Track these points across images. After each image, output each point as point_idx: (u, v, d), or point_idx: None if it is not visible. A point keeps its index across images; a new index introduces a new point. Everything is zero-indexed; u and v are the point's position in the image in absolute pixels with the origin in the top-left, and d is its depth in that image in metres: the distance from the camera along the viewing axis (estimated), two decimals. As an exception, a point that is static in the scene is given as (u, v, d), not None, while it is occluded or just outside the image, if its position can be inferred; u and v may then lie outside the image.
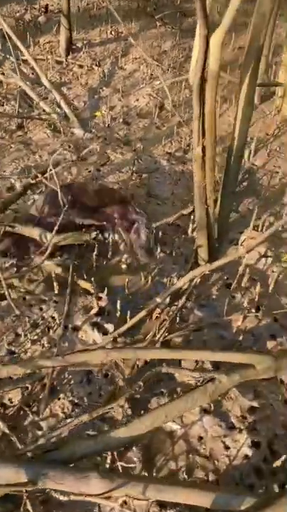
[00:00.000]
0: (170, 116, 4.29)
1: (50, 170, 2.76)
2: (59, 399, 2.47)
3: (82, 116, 4.28)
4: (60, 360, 2.00)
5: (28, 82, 4.40)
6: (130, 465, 2.15)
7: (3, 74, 4.54)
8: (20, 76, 4.33)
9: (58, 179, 3.18)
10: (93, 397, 2.49)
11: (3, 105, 4.29)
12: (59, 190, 2.79)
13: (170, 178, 3.69)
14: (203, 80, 2.29)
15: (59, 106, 4.28)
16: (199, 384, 2.24)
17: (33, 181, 3.05)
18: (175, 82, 4.41)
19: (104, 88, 4.59)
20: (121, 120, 4.25)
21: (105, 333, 2.70)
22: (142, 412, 2.40)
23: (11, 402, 2.44)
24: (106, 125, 4.17)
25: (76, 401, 2.47)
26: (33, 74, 4.63)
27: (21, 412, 2.41)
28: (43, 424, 2.39)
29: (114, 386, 2.44)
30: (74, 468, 1.87)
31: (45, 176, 2.86)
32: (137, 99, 4.47)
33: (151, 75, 4.70)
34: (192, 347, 2.44)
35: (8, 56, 4.56)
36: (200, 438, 2.36)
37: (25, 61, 4.62)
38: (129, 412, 2.39)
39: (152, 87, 4.53)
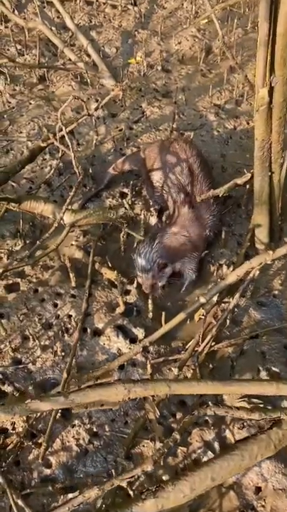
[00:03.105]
0: (219, 60, 3.40)
1: (61, 130, 2.02)
2: (73, 426, 1.85)
3: (113, 64, 3.47)
4: (61, 401, 1.34)
5: (52, 28, 3.63)
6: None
7: (24, 19, 3.77)
8: (42, 20, 3.56)
9: (78, 142, 2.47)
10: (117, 425, 1.85)
11: (23, 55, 3.55)
12: (73, 156, 2.07)
13: (219, 137, 2.87)
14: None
15: (87, 53, 3.49)
16: (258, 418, 1.54)
17: (44, 144, 2.35)
18: (226, 17, 3.48)
19: (141, 31, 3.73)
20: (159, 67, 3.40)
21: (133, 339, 2.03)
22: (178, 453, 1.75)
23: (14, 429, 1.85)
24: (142, 74, 3.35)
25: (95, 430, 1.84)
26: (58, 18, 3.83)
27: (25, 444, 1.82)
28: (53, 459, 1.79)
29: (145, 414, 1.78)
30: None
31: (56, 137, 2.15)
32: (179, 42, 3.59)
33: (196, 13, 3.78)
34: (256, 380, 1.71)
35: (30, -2, 3.79)
36: (258, 490, 1.69)
37: (49, 3, 3.82)
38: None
39: (197, 27, 3.63)
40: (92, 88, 3.23)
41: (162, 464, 1.71)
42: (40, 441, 1.80)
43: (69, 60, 3.45)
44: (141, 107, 3.10)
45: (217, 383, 1.44)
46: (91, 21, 3.79)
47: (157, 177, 2.38)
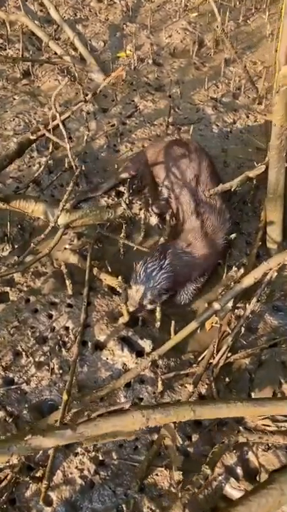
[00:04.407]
0: (213, 53, 3.19)
1: (54, 120, 1.76)
2: (76, 454, 1.59)
3: (101, 58, 3.23)
4: (69, 435, 1.09)
5: (35, 22, 3.37)
6: None
7: (6, 12, 3.50)
8: (24, 13, 3.30)
9: (70, 136, 2.22)
10: (126, 451, 1.59)
11: (5, 49, 3.28)
12: (68, 148, 1.81)
13: (218, 131, 2.65)
14: None
15: (73, 47, 3.25)
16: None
17: (34, 137, 2.08)
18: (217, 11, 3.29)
19: (129, 24, 3.50)
20: (150, 61, 3.17)
21: (140, 353, 1.78)
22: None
23: (8, 461, 1.58)
24: (133, 67, 3.12)
25: (101, 458, 1.58)
26: (41, 11, 3.58)
27: (21, 479, 1.54)
28: (53, 495, 1.53)
29: (158, 439, 1.53)
30: None
31: (48, 128, 1.90)
32: (170, 36, 3.37)
33: (186, 6, 3.58)
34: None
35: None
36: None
37: (31, -4, 3.57)
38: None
39: (188, 20, 3.42)
40: (81, 82, 2.98)
41: (179, 495, 1.47)
42: (38, 474, 1.54)
43: (55, 53, 3.19)
44: (133, 101, 2.86)
45: (247, 404, 1.21)
46: (76, 15, 3.54)
47: (161, 177, 2.13)
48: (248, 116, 2.72)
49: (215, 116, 2.72)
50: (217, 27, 3.23)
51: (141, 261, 1.88)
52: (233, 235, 1.95)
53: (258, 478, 1.50)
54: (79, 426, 1.11)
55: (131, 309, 1.81)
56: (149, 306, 1.85)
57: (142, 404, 1.66)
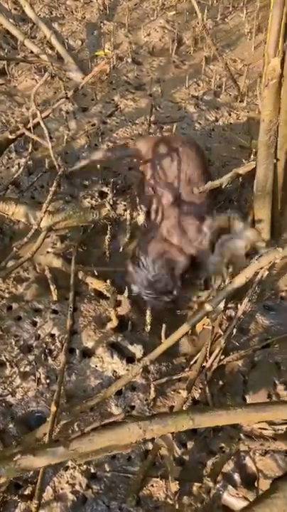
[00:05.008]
0: (192, 51, 3.14)
1: (34, 118, 1.67)
2: (66, 469, 1.50)
3: (79, 57, 3.14)
4: (61, 453, 1.01)
5: (10, 20, 3.26)
6: None
7: (-22, 11, 3.38)
8: (-1, 11, 3.18)
9: (50, 136, 2.12)
10: (119, 462, 1.51)
11: (-22, 48, 3.16)
12: (50, 147, 1.72)
13: (201, 129, 2.60)
14: None
15: (50, 46, 3.15)
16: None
17: (12, 136, 1.99)
18: (194, 9, 3.23)
19: (106, 22, 3.42)
20: (129, 60, 3.10)
21: (130, 359, 1.70)
22: (194, 490, 1.44)
23: (-7, 479, 1.48)
24: (112, 66, 3.04)
25: (93, 470, 1.50)
26: (16, 9, 3.47)
27: (9, 498, 1.45)
28: (44, 513, 1.44)
29: (154, 449, 1.46)
30: None
31: (28, 127, 1.80)
32: (148, 34, 3.30)
33: (163, 4, 3.52)
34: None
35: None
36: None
37: (5, -6, 3.45)
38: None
39: (166, 18, 3.36)
40: (58, 81, 2.88)
41: (177, 507, 1.40)
42: (27, 492, 1.44)
43: (31, 52, 3.08)
44: (113, 100, 2.78)
45: (248, 409, 1.15)
46: (52, 13, 3.44)
47: (150, 173, 2.06)
48: (230, 114, 2.68)
49: (197, 115, 2.66)
50: (198, 24, 3.19)
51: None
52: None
53: (256, 484, 1.44)
54: (72, 442, 1.03)
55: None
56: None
57: (134, 412, 1.59)
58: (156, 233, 1.94)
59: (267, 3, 3.40)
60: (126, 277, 1.86)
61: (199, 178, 2.01)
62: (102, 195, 2.28)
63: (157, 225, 1.97)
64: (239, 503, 1.42)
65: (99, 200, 2.23)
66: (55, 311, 1.82)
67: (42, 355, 1.71)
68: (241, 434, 1.19)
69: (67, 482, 1.47)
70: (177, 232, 1.92)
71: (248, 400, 1.61)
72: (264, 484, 1.44)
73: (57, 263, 1.97)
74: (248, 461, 1.50)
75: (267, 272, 1.73)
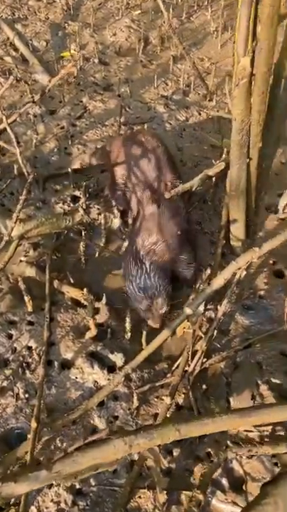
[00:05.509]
0: (159, 50, 3.10)
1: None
2: (51, 486, 1.44)
3: (45, 58, 3.06)
4: (44, 477, 0.95)
5: None
6: None
7: None
8: None
9: (18, 140, 2.05)
10: (104, 475, 1.46)
11: None
12: (18, 153, 1.66)
13: (172, 130, 2.56)
14: None
15: (14, 47, 3.05)
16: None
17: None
18: (159, 8, 3.19)
19: (71, 23, 3.34)
20: (96, 60, 3.04)
21: (111, 368, 1.65)
22: (182, 499, 1.40)
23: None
24: (78, 67, 2.98)
25: (78, 486, 1.45)
26: (-24, 11, 3.36)
27: (-10, 521, 1.38)
28: (28, 535, 1.38)
29: (139, 460, 1.42)
30: None
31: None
32: (114, 34, 3.25)
33: (128, 3, 3.47)
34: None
35: None
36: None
37: None
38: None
39: (131, 17, 3.31)
40: (24, 84, 2.79)
41: (166, 517, 1.36)
42: (10, 514, 1.38)
43: (-6, 55, 2.99)
44: (81, 101, 2.72)
45: (233, 416, 1.13)
46: (14, 14, 3.34)
47: (120, 172, 2.02)
48: (200, 114, 2.66)
49: (167, 115, 2.63)
50: (163, 23, 3.16)
51: (126, 284, 1.78)
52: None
53: (245, 488, 1.43)
54: (55, 464, 0.97)
55: (158, 326, 1.73)
56: (166, 309, 1.76)
57: (118, 422, 1.54)
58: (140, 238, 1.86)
59: (231, 2, 3.41)
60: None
61: (166, 164, 1.98)
62: (75, 199, 2.22)
63: (136, 228, 1.91)
64: (228, 508, 1.40)
65: (72, 205, 2.17)
66: (30, 323, 1.75)
67: (20, 369, 1.64)
68: (228, 442, 1.16)
69: (52, 500, 1.42)
70: (166, 223, 1.87)
71: (233, 402, 1.59)
72: (252, 487, 1.42)
73: (31, 272, 1.90)
74: (235, 464, 1.48)
75: (245, 272, 1.72)
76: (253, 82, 1.43)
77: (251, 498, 1.38)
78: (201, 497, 1.16)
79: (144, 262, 1.75)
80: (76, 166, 2.32)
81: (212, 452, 1.49)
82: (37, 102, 2.36)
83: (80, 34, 3.18)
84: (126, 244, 1.98)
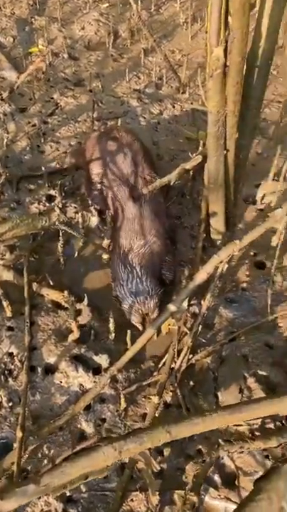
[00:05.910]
0: (129, 44, 3.04)
1: None
2: (40, 496, 1.40)
3: (12, 54, 2.96)
4: (32, 491, 0.91)
5: None
6: None
7: None
8: None
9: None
10: (95, 481, 1.42)
11: None
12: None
13: (146, 123, 2.52)
14: None
15: (-21, 44, 2.95)
16: (277, 444, 1.24)
17: None
18: (127, 0, 3.13)
19: (37, 17, 3.24)
20: (65, 55, 2.96)
21: (96, 370, 1.61)
22: (175, 499, 1.38)
23: None
24: (47, 63, 2.90)
25: (68, 493, 1.41)
26: None
27: (-22, 537, 1.33)
28: None
29: (130, 463, 1.38)
30: None
31: None
32: (82, 28, 3.17)
33: (95, -4, 3.40)
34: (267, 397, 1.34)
35: None
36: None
37: None
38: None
39: (99, 11, 3.24)
40: (-8, 82, 2.70)
41: (160, 518, 1.33)
42: (-2, 528, 1.33)
43: None
44: (52, 98, 2.64)
45: (223, 413, 1.10)
46: (-24, 10, 3.23)
47: (96, 170, 1.97)
48: (174, 106, 2.62)
49: (141, 109, 2.59)
50: (133, 16, 3.10)
51: (115, 289, 1.73)
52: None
53: (237, 483, 1.41)
54: (43, 477, 0.93)
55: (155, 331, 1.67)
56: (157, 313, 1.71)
57: (106, 425, 1.50)
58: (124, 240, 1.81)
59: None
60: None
61: (142, 160, 1.95)
62: (50, 198, 2.16)
63: (120, 230, 1.86)
64: (221, 505, 1.39)
65: (48, 205, 2.11)
66: (10, 328, 1.69)
67: (2, 377, 1.58)
68: (220, 440, 1.14)
69: (42, 510, 1.37)
70: (147, 222, 1.83)
71: (221, 397, 1.57)
72: (245, 481, 1.41)
73: (8, 276, 1.84)
74: (226, 460, 1.46)
75: (227, 265, 1.70)
76: (227, 73, 1.39)
77: (244, 493, 1.37)
78: (195, 499, 1.14)
79: (134, 266, 1.71)
80: (50, 165, 2.25)
81: (202, 449, 1.47)
82: (6, 100, 2.28)
83: (48, 29, 3.09)
84: (105, 242, 1.93)
